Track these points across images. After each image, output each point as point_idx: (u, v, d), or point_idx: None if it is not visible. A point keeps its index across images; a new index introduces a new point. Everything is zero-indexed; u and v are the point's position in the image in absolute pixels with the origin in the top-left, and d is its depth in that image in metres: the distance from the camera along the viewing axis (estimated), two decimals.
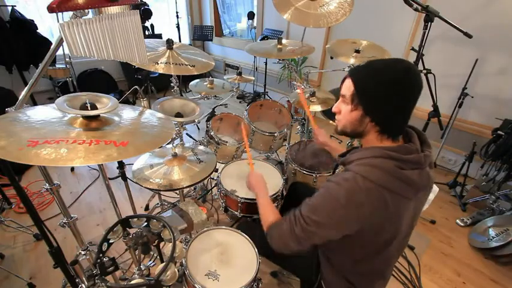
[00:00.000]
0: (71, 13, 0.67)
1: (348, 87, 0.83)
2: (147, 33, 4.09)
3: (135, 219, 0.90)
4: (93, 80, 3.84)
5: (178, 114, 1.40)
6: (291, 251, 0.87)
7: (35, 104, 3.11)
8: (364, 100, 0.80)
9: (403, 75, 0.75)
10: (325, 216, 0.79)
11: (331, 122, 1.71)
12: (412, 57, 2.32)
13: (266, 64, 3.64)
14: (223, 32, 4.97)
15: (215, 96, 2.01)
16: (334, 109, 0.91)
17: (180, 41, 4.22)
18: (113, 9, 0.78)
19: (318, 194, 0.83)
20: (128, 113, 0.89)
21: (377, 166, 0.75)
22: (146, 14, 3.81)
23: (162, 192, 1.96)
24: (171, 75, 1.64)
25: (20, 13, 2.93)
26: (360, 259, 0.90)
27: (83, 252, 1.12)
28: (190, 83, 2.01)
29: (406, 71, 0.75)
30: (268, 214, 1.00)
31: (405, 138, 0.85)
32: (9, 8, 2.97)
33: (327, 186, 0.82)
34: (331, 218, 0.78)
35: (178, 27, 4.13)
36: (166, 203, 1.99)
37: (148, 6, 3.81)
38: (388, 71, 0.77)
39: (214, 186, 2.17)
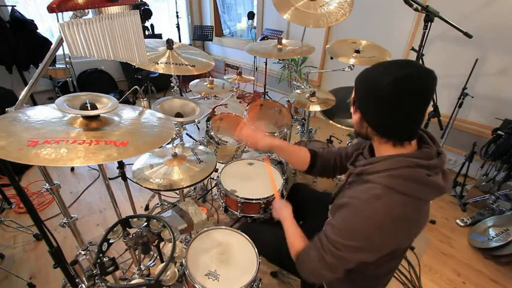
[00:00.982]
0: (71, 13, 0.67)
1: (354, 90, 0.82)
2: (147, 33, 4.09)
3: (135, 219, 0.90)
4: (93, 80, 3.84)
5: (178, 114, 1.40)
6: (324, 280, 0.82)
7: (35, 104, 3.11)
8: (360, 105, 0.79)
9: (390, 86, 0.70)
10: (362, 240, 0.73)
11: (331, 122, 1.71)
12: (412, 57, 2.32)
13: (266, 64, 3.63)
14: (223, 32, 4.97)
15: (215, 96, 2.01)
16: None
17: (180, 41, 4.21)
18: (113, 9, 0.78)
19: (346, 215, 0.76)
20: (127, 113, 0.89)
21: (409, 177, 0.71)
22: (146, 14, 3.81)
23: (162, 192, 1.96)
24: (171, 75, 1.64)
25: (20, 13, 2.93)
26: (372, 264, 0.83)
27: (83, 252, 1.12)
28: (190, 83, 2.01)
29: (398, 78, 0.69)
30: (294, 241, 0.94)
31: (418, 142, 0.81)
32: (9, 8, 2.97)
33: (354, 206, 0.75)
34: (368, 242, 0.73)
35: (178, 27, 4.13)
36: (166, 203, 1.99)
37: (148, 6, 3.81)
38: (379, 77, 0.72)
39: (214, 186, 2.17)
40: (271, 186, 1.47)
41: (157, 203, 1.96)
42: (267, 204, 1.47)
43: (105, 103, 0.83)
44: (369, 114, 0.78)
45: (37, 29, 3.01)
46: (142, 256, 0.88)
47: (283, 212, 1.09)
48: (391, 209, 0.71)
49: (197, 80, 2.04)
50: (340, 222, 0.77)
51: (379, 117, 0.76)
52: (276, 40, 1.95)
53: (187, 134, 3.08)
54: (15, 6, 2.94)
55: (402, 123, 0.74)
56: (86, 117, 0.76)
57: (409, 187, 0.71)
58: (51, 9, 0.62)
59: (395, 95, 0.70)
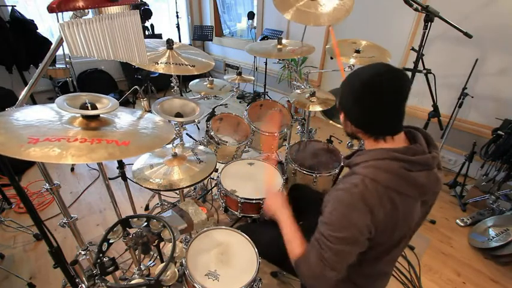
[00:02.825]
0: (71, 13, 0.67)
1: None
2: (147, 33, 4.09)
3: (135, 219, 0.90)
4: (93, 80, 3.84)
5: (178, 114, 1.40)
6: (329, 282, 0.78)
7: (35, 104, 3.11)
8: (342, 105, 0.86)
9: (362, 83, 0.77)
10: (349, 228, 0.74)
11: (331, 122, 1.71)
12: (412, 57, 2.32)
13: (266, 64, 3.64)
14: (223, 32, 4.97)
15: (215, 96, 2.01)
16: None
17: (180, 41, 4.22)
18: (113, 9, 0.78)
19: (331, 208, 0.78)
20: (126, 115, 0.90)
21: (383, 168, 0.76)
22: (146, 14, 3.81)
23: (162, 192, 1.96)
24: (171, 75, 1.64)
25: (20, 13, 2.93)
26: (366, 260, 0.87)
27: (83, 252, 1.12)
28: (190, 83, 2.01)
29: (366, 78, 0.77)
30: (293, 245, 0.89)
31: (410, 140, 0.84)
32: (9, 8, 2.97)
33: (337, 197, 0.78)
34: (354, 228, 0.74)
35: (178, 27, 4.13)
36: (166, 203, 1.99)
37: (148, 6, 3.81)
38: (354, 78, 0.80)
39: (214, 186, 2.17)
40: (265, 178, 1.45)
41: (157, 203, 1.96)
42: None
43: (105, 103, 0.83)
44: (349, 113, 0.85)
45: (37, 29, 3.01)
46: (142, 256, 0.88)
47: (282, 213, 1.01)
48: (366, 196, 0.74)
49: (197, 80, 2.04)
50: (328, 215, 0.78)
51: (357, 114, 0.83)
52: (276, 40, 1.95)
53: (187, 134, 3.08)
54: (15, 6, 2.94)
55: (378, 119, 0.80)
56: (85, 117, 0.76)
57: (383, 177, 0.75)
58: (51, 9, 0.62)
59: (366, 94, 0.77)
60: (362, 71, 0.80)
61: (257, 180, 1.59)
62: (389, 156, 0.76)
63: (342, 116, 0.89)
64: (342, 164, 0.92)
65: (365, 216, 0.74)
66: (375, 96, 0.76)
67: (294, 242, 0.90)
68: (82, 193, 2.31)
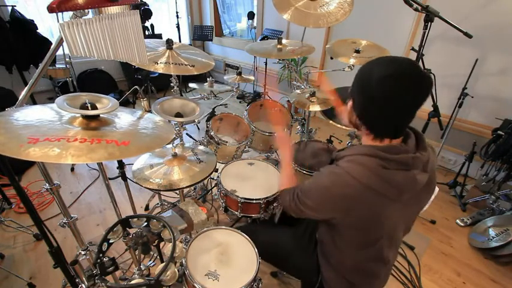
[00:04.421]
0: (71, 13, 0.67)
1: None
2: (147, 33, 4.08)
3: (135, 219, 0.90)
4: (93, 80, 3.84)
5: (178, 114, 1.40)
6: (292, 215, 0.98)
7: (35, 104, 3.11)
8: (353, 93, 0.84)
9: (375, 83, 0.73)
10: (312, 200, 0.88)
11: (331, 122, 1.71)
12: (412, 57, 2.31)
13: (266, 64, 3.63)
14: (223, 32, 4.97)
15: (215, 96, 2.01)
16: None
17: (180, 41, 4.22)
18: (113, 9, 0.78)
19: (311, 179, 0.93)
20: (126, 115, 0.90)
21: (361, 164, 0.78)
22: (146, 14, 3.81)
23: (162, 192, 1.96)
24: (171, 75, 1.64)
25: (20, 13, 2.93)
26: (352, 256, 0.93)
27: (83, 252, 1.12)
28: (190, 83, 2.00)
29: (385, 76, 0.72)
30: (284, 180, 1.09)
31: (403, 140, 0.83)
32: (9, 8, 2.97)
33: (317, 175, 0.90)
34: (315, 203, 0.87)
35: (178, 27, 4.13)
36: (166, 203, 1.99)
37: (148, 6, 3.81)
38: (371, 71, 0.76)
39: (214, 186, 2.16)
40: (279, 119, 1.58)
41: (157, 203, 1.96)
42: (267, 204, 1.47)
43: (105, 103, 0.83)
44: (357, 104, 0.83)
45: (37, 29, 3.01)
46: (142, 256, 0.88)
47: (286, 151, 1.20)
48: (339, 185, 0.80)
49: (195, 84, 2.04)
50: (307, 183, 0.92)
51: (364, 108, 0.81)
52: (276, 40, 1.95)
53: (187, 134, 3.08)
54: (15, 6, 2.94)
55: (384, 120, 0.78)
56: (85, 117, 0.76)
57: (360, 173, 0.77)
58: (51, 9, 0.62)
59: (381, 93, 0.74)
60: (383, 66, 0.74)
61: (257, 180, 1.59)
62: (370, 152, 0.78)
63: (350, 103, 0.86)
64: (332, 156, 0.93)
65: (328, 198, 0.84)
66: (388, 98, 0.73)
67: (285, 177, 1.10)
68: (82, 193, 2.31)
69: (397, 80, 0.71)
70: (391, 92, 0.72)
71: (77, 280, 1.09)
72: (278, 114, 1.72)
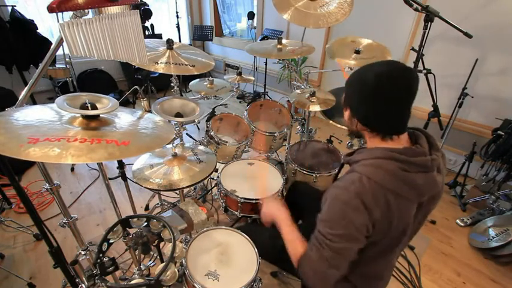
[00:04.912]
0: (71, 13, 0.67)
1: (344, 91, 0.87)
2: (147, 33, 4.09)
3: (135, 219, 0.90)
4: (93, 80, 3.84)
5: (178, 114, 1.40)
6: (332, 281, 0.79)
7: (35, 104, 3.11)
8: (348, 101, 0.85)
9: (374, 79, 0.76)
10: (346, 225, 0.75)
11: (331, 122, 1.71)
12: (412, 57, 2.32)
13: (266, 64, 3.64)
14: (223, 32, 4.97)
15: (215, 96, 2.01)
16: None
17: (180, 41, 4.22)
18: (113, 9, 0.78)
19: (329, 205, 0.78)
20: (126, 115, 0.90)
21: (381, 167, 0.75)
22: (146, 14, 3.81)
23: (162, 192, 1.96)
24: (171, 75, 1.64)
25: (20, 13, 2.93)
26: (362, 261, 0.87)
27: (83, 252, 1.12)
28: (190, 83, 2.01)
29: (381, 72, 0.75)
30: (294, 246, 0.90)
31: (412, 140, 0.84)
32: (9, 8, 2.97)
33: (334, 194, 0.78)
34: (351, 226, 0.75)
35: (178, 27, 4.13)
36: (166, 203, 1.99)
37: (148, 6, 3.81)
38: (365, 72, 0.79)
39: (214, 186, 2.17)
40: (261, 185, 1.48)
41: (157, 203, 1.96)
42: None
43: (105, 103, 0.83)
44: (357, 109, 0.83)
45: (37, 29, 3.01)
46: (142, 256, 0.88)
47: (279, 215, 1.02)
48: (362, 194, 0.74)
49: (197, 80, 2.04)
50: (325, 212, 0.79)
51: (365, 109, 0.81)
52: (276, 40, 1.95)
53: (187, 134, 3.08)
54: (15, 6, 2.95)
55: (386, 116, 0.78)
56: (85, 117, 0.76)
57: (380, 176, 0.74)
58: (51, 9, 0.62)
59: (378, 88, 0.75)
60: (375, 66, 0.78)
61: (257, 180, 1.59)
62: (389, 156, 0.76)
63: (347, 113, 0.87)
64: (342, 161, 0.91)
65: (361, 214, 0.74)
66: (386, 95, 0.75)
67: (294, 242, 0.90)
68: (82, 193, 2.31)
69: (391, 72, 0.75)
70: (388, 86, 0.75)
71: (77, 280, 1.09)
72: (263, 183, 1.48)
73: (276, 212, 1.04)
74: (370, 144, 0.86)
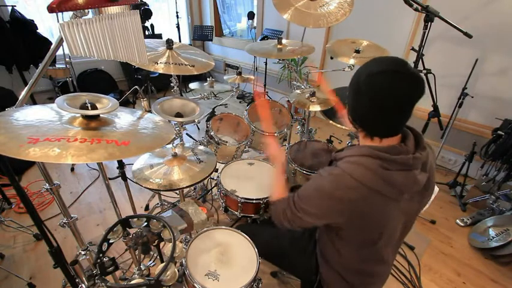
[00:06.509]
0: (71, 13, 0.67)
1: None
2: (147, 33, 4.09)
3: (135, 219, 0.90)
4: (93, 80, 3.84)
5: (178, 114, 1.40)
6: (284, 227, 0.94)
7: (35, 104, 3.11)
8: (347, 99, 0.86)
9: (368, 75, 0.74)
10: (313, 205, 0.85)
11: (331, 122, 1.71)
12: (412, 57, 2.32)
13: (266, 64, 3.63)
14: (223, 32, 4.97)
15: (215, 96, 2.00)
16: None
17: (180, 41, 4.21)
18: (113, 9, 0.77)
19: (309, 183, 0.89)
20: (126, 115, 0.90)
21: (362, 164, 0.77)
22: (146, 14, 3.81)
23: (162, 192, 1.96)
24: (171, 75, 1.64)
25: (20, 13, 2.93)
26: (350, 256, 0.93)
27: (83, 252, 1.12)
28: (190, 83, 2.00)
29: (374, 71, 0.73)
30: (277, 190, 1.04)
31: (402, 139, 0.84)
32: (9, 8, 2.97)
33: (316, 178, 0.87)
34: (317, 208, 0.84)
35: (178, 27, 4.13)
36: (166, 203, 1.99)
37: (148, 6, 3.81)
38: (362, 70, 0.77)
39: (214, 186, 2.16)
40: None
41: (157, 203, 1.96)
42: (267, 204, 1.47)
43: (105, 103, 0.83)
44: (352, 107, 0.84)
45: (37, 29, 3.01)
46: (142, 256, 0.88)
47: (280, 158, 1.16)
48: (338, 187, 0.79)
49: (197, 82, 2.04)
50: (304, 188, 0.90)
51: (358, 109, 0.81)
52: (276, 40, 1.95)
53: (187, 134, 3.08)
54: (15, 6, 2.95)
55: (379, 119, 0.78)
56: (85, 117, 0.76)
57: (361, 174, 0.76)
58: (51, 9, 0.61)
59: (370, 88, 0.74)
60: (373, 63, 0.76)
61: (257, 180, 1.59)
62: (371, 153, 0.77)
63: (346, 111, 0.89)
64: (331, 157, 0.93)
65: (331, 202, 0.80)
66: (379, 92, 0.73)
67: (278, 186, 1.05)
68: (82, 193, 2.31)
69: (386, 75, 0.72)
70: (380, 87, 0.73)
71: (77, 280, 1.09)
72: (266, 109, 1.64)
73: (278, 154, 1.18)
74: (361, 141, 0.87)
